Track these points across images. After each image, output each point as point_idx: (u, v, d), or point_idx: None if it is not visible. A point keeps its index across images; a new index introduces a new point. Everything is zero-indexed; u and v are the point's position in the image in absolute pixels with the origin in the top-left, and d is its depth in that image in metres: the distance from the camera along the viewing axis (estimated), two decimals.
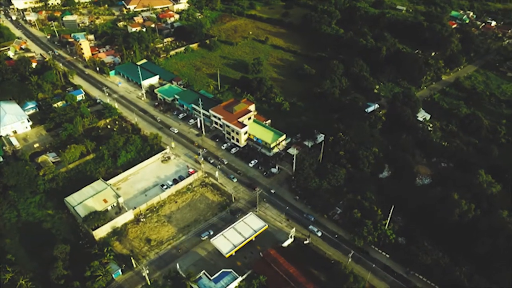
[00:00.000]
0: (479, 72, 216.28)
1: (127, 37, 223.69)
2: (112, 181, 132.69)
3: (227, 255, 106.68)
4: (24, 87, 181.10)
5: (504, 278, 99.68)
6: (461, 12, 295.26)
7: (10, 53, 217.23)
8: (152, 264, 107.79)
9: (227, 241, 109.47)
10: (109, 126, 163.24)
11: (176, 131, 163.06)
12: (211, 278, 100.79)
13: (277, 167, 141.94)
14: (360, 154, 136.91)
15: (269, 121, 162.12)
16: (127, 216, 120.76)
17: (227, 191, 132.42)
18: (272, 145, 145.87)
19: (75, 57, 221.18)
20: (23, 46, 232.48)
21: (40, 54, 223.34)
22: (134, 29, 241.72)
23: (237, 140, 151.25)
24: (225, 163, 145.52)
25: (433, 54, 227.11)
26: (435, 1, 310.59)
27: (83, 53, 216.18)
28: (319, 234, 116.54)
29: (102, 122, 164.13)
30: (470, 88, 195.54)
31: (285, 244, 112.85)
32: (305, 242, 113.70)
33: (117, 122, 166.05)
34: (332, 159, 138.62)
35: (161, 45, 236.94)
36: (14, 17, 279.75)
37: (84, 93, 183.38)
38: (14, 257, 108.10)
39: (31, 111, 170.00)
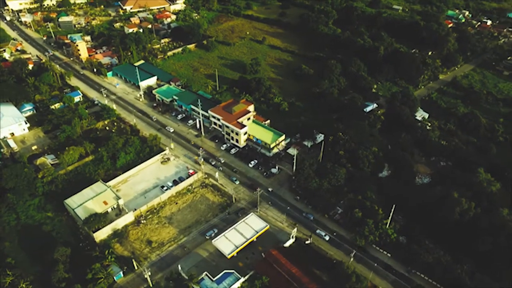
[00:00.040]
0: (476, 71, 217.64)
1: (124, 38, 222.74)
2: (111, 182, 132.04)
3: (229, 256, 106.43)
4: (21, 89, 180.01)
5: (506, 276, 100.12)
6: (457, 11, 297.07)
7: (6, 55, 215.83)
8: (154, 265, 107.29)
9: (228, 242, 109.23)
10: (107, 128, 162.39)
11: (172, 130, 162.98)
12: (213, 279, 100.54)
13: (277, 167, 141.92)
14: (360, 154, 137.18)
15: (268, 121, 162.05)
16: (128, 218, 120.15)
17: (227, 192, 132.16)
18: (271, 146, 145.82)
19: (71, 59, 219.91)
20: (19, 48, 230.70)
21: (37, 56, 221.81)
22: (131, 30, 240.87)
23: (237, 141, 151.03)
24: (222, 161, 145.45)
25: (430, 53, 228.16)
26: (431, 0, 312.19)
27: (80, 54, 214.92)
28: (327, 238, 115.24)
29: (100, 124, 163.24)
30: (468, 87, 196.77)
31: (287, 244, 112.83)
32: (306, 242, 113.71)
33: (115, 124, 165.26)
34: (332, 159, 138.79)
35: (158, 46, 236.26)
36: (8, 18, 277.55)
37: (81, 94, 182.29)
38: (14, 260, 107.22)
39: (28, 113, 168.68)
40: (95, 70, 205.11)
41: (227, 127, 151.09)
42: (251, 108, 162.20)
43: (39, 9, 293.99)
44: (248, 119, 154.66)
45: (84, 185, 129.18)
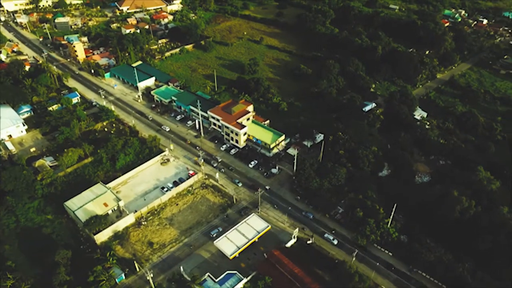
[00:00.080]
0: (473, 70, 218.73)
1: (122, 38, 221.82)
2: (111, 184, 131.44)
3: (231, 257, 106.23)
4: (18, 91, 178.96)
5: (506, 274, 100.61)
6: (453, 10, 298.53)
7: (2, 56, 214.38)
8: (155, 267, 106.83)
9: (230, 243, 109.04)
10: (106, 129, 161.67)
11: (167, 129, 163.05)
12: (216, 280, 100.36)
13: (277, 167, 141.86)
14: (360, 153, 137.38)
15: (268, 121, 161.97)
16: (128, 220, 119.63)
17: (228, 193, 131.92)
18: (271, 146, 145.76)
19: (69, 60, 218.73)
20: (15, 49, 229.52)
21: (33, 57, 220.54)
22: (128, 31, 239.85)
23: (237, 141, 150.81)
24: (219, 160, 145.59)
25: (427, 52, 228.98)
26: None
27: (77, 56, 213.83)
28: (335, 242, 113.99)
29: (99, 125, 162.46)
30: (465, 86, 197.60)
31: (288, 244, 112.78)
32: (308, 242, 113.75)
33: (114, 125, 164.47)
34: (332, 159, 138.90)
35: (156, 46, 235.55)
36: (3, 19, 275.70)
37: (79, 95, 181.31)
38: (14, 264, 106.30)
39: (26, 115, 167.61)
40: (92, 71, 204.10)
41: (227, 127, 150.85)
42: (250, 108, 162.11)
43: (35, 10, 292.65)
44: (248, 119, 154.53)
45: (83, 187, 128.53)
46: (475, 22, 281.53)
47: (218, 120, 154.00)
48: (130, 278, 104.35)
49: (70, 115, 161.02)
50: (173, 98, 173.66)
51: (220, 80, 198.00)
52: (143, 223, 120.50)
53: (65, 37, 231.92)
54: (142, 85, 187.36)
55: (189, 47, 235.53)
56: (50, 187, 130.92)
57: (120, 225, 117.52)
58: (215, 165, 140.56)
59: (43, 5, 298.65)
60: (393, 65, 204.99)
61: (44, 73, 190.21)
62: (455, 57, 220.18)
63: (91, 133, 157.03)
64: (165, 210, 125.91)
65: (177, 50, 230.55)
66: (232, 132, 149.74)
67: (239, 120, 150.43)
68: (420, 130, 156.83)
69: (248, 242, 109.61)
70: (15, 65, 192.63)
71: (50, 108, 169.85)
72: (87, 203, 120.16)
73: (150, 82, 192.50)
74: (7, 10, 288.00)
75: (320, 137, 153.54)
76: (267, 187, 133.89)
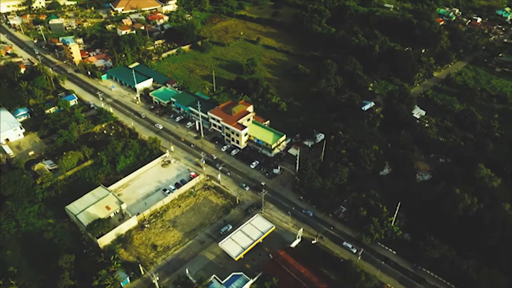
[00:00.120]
0: (469, 68, 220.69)
1: (118, 40, 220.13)
2: (112, 187, 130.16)
3: (236, 258, 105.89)
4: (14, 93, 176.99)
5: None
6: (447, 9, 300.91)
7: None
8: (160, 270, 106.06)
9: (235, 244, 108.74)
10: (105, 131, 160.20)
11: (160, 127, 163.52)
12: (222, 282, 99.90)
13: (279, 167, 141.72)
14: (361, 152, 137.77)
15: (268, 121, 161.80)
16: (131, 223, 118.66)
17: (230, 194, 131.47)
18: (273, 146, 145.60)
19: (64, 62, 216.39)
20: (9, 51, 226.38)
21: (28, 59, 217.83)
22: (124, 32, 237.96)
23: (237, 142, 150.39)
24: (214, 158, 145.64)
25: (423, 51, 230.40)
26: None
27: (73, 57, 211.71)
28: (354, 251, 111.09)
29: (97, 127, 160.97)
30: (462, 84, 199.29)
31: (293, 244, 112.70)
32: (312, 241, 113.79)
33: (113, 127, 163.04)
34: (333, 158, 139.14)
35: (152, 47, 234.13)
36: None
37: (76, 98, 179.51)
38: (17, 269, 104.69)
39: (23, 118, 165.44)
40: (89, 73, 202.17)
41: (228, 128, 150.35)
42: (250, 108, 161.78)
43: (28, 11, 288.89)
44: (248, 120, 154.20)
45: (84, 190, 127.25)
46: (469, 21, 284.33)
47: (218, 121, 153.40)
48: (135, 281, 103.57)
49: (68, 117, 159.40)
50: (172, 99, 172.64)
51: (218, 80, 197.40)
52: (146, 225, 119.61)
53: (60, 38, 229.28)
54: (140, 86, 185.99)
55: (186, 47, 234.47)
56: (50, 191, 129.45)
57: (123, 228, 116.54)
58: (220, 168, 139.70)
59: (36, 7, 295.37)
60: (390, 64, 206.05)
61: (40, 75, 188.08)
62: (451, 55, 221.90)
63: (90, 136, 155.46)
64: (168, 212, 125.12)
65: (174, 51, 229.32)
66: (233, 133, 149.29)
67: (239, 121, 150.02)
68: (420, 129, 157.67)
69: (253, 243, 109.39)
70: (10, 68, 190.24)
71: (48, 111, 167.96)
72: (89, 206, 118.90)
73: (148, 83, 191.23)
74: None
75: (320, 136, 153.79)
76: (262, 183, 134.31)
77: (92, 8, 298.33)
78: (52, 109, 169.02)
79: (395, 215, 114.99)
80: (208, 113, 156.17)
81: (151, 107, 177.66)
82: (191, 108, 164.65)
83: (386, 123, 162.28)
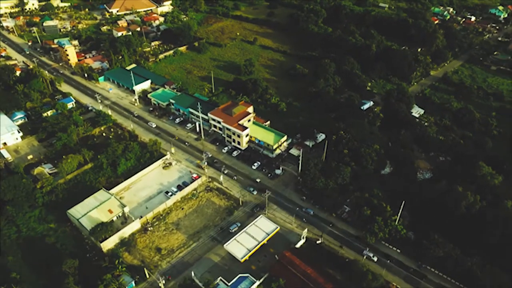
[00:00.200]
0: (465, 67, 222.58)
1: (114, 41, 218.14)
2: (114, 190, 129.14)
3: (242, 260, 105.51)
4: (11, 97, 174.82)
5: None
6: (442, 8, 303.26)
7: None
8: (165, 273, 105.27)
9: (241, 246, 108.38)
10: (104, 134, 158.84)
11: (154, 126, 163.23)
12: (229, 284, 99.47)
13: (281, 168, 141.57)
14: (363, 152, 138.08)
15: (269, 122, 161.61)
16: (134, 226, 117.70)
17: (233, 195, 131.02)
18: (274, 147, 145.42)
19: (60, 64, 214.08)
20: (3, 54, 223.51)
21: (23, 62, 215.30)
22: (120, 33, 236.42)
23: (238, 143, 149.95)
24: (209, 155, 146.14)
25: (419, 50, 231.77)
26: None
27: (69, 59, 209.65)
28: (375, 259, 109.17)
29: (96, 130, 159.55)
30: (459, 83, 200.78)
31: (298, 245, 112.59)
32: (317, 242, 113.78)
33: (112, 130, 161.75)
34: (335, 158, 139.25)
35: (149, 49, 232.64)
36: None
37: (74, 100, 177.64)
38: (19, 275, 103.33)
39: (20, 122, 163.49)
40: (86, 75, 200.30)
41: (228, 129, 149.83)
42: (250, 109, 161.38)
43: (21, 13, 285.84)
44: (249, 120, 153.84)
45: (85, 193, 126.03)
46: (464, 19, 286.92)
47: (219, 122, 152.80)
48: (140, 285, 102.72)
49: (66, 120, 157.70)
50: (171, 101, 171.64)
51: (216, 81, 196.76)
52: (149, 228, 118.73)
53: (56, 40, 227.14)
54: (138, 88, 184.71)
55: (182, 48, 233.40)
56: (50, 195, 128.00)
57: (126, 231, 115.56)
58: (225, 171, 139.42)
59: (29, 8, 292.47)
60: (387, 63, 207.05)
61: (36, 78, 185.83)
62: (447, 54, 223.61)
63: (89, 139, 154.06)
64: (171, 215, 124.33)
65: (171, 52, 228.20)
66: (234, 134, 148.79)
67: (240, 122, 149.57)
68: (419, 127, 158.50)
69: (258, 244, 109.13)
70: (5, 71, 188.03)
71: (45, 114, 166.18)
72: (91, 210, 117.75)
73: (146, 85, 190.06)
74: None
75: (321, 136, 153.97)
76: (257, 180, 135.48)
77: (86, 9, 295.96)
78: (49, 112, 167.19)
79: (399, 214, 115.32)
80: (209, 114, 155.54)
81: (149, 109, 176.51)
82: (191, 110, 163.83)
83: (385, 122, 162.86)
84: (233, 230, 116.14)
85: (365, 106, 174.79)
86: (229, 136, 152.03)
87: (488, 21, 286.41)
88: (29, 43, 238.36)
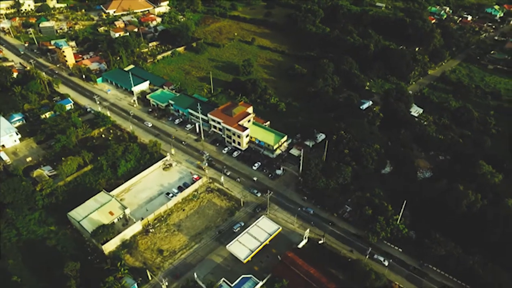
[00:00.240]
0: (462, 66, 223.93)
1: (112, 42, 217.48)
2: (114, 192, 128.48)
3: (245, 261, 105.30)
4: (8, 99, 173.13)
5: None
6: (438, 7, 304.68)
7: None
8: (168, 275, 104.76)
9: (243, 247, 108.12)
10: (103, 136, 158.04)
11: (150, 125, 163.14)
12: (232, 285, 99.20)
13: (281, 168, 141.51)
14: (363, 152, 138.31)
15: (268, 122, 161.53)
16: (135, 228, 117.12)
17: (234, 196, 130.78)
18: (275, 147, 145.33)
19: (58, 65, 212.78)
20: None
21: (20, 63, 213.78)
22: (117, 34, 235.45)
23: (239, 144, 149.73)
24: (206, 154, 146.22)
25: (416, 49, 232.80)
26: None
27: (66, 61, 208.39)
28: (386, 263, 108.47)
29: (96, 132, 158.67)
30: (456, 82, 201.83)
31: (300, 245, 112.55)
32: (319, 242, 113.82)
33: (111, 131, 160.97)
34: (336, 158, 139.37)
35: (147, 49, 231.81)
36: None
37: (72, 102, 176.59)
38: (20, 279, 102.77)
39: (18, 123, 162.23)
40: (84, 76, 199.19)
41: (228, 130, 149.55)
42: (250, 110, 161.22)
43: (17, 14, 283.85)
44: (249, 121, 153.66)
45: (85, 196, 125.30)
46: (460, 19, 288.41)
47: (219, 123, 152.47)
48: (143, 287, 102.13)
49: (65, 122, 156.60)
50: (170, 102, 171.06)
51: (215, 82, 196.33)
52: (150, 230, 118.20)
53: (53, 42, 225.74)
54: (136, 89, 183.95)
55: (180, 49, 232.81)
56: (50, 197, 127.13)
57: (127, 233, 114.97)
58: (228, 173, 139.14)
59: (25, 9, 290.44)
60: (385, 63, 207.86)
61: (34, 79, 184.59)
62: (444, 53, 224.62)
63: (89, 140, 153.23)
64: (172, 216, 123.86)
65: (169, 52, 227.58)
66: (234, 134, 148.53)
67: (240, 122, 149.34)
68: (418, 127, 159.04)
69: (260, 245, 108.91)
70: (2, 72, 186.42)
71: (43, 116, 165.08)
72: (92, 212, 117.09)
73: (145, 86, 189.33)
74: None
75: (321, 136, 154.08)
76: (254, 179, 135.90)
77: (83, 10, 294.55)
78: (47, 114, 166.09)
79: (400, 213, 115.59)
80: (208, 115, 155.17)
81: (149, 110, 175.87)
82: (190, 110, 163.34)
83: (385, 122, 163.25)
84: (236, 230, 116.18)
85: (364, 106, 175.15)
86: (229, 137, 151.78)
87: (484, 20, 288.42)
88: (26, 45, 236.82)
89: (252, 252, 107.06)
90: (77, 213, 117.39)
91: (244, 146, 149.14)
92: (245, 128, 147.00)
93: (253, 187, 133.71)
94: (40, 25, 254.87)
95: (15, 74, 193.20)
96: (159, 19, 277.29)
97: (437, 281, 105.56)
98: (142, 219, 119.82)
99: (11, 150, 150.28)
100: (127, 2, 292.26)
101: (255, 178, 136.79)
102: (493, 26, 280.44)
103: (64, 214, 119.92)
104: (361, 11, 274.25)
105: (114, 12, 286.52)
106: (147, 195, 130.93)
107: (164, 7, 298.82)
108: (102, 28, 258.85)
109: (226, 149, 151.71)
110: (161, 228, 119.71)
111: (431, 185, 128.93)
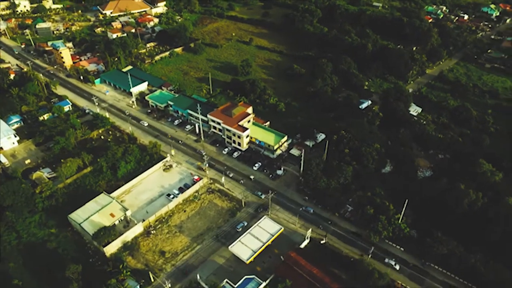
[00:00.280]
0: (460, 65, 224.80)
1: (109, 43, 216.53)
2: (115, 194, 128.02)
3: (247, 262, 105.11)
4: (5, 100, 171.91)
5: None
6: (435, 7, 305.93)
7: None
8: (171, 276, 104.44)
9: (245, 247, 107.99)
10: (102, 137, 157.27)
11: (146, 124, 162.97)
12: (235, 286, 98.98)
13: (282, 168, 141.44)
14: (364, 151, 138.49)
15: (268, 122, 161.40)
16: (137, 229, 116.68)
17: (235, 196, 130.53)
18: (275, 147, 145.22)
19: (55, 67, 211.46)
20: None
21: (16, 65, 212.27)
22: (115, 35, 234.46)
23: (239, 144, 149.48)
24: (204, 154, 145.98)
25: (414, 48, 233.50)
26: None
27: (63, 62, 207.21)
28: (398, 267, 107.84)
29: (95, 133, 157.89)
30: (454, 81, 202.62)
31: (302, 245, 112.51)
32: (321, 242, 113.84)
33: (110, 132, 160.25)
34: (336, 158, 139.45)
35: (144, 50, 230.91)
36: None
37: (70, 103, 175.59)
38: (21, 282, 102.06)
39: (16, 125, 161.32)
40: (81, 77, 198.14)
41: (228, 130, 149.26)
42: (250, 110, 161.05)
43: (13, 15, 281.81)
44: (249, 121, 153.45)
45: (85, 198, 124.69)
46: (457, 18, 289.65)
47: (219, 123, 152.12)
48: None
49: (64, 124, 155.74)
50: (169, 102, 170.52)
51: (213, 82, 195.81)
52: (152, 232, 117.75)
53: (50, 43, 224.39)
54: (135, 90, 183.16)
55: (178, 50, 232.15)
56: (50, 199, 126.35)
57: (128, 235, 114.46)
58: (231, 175, 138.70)
59: (21, 10, 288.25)
60: (383, 62, 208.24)
61: (31, 81, 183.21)
62: (442, 52, 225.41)
63: (88, 142, 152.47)
64: (173, 218, 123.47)
65: (167, 53, 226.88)
66: (234, 135, 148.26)
67: (240, 123, 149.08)
68: (418, 126, 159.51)
69: (263, 245, 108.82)
70: None
71: (41, 118, 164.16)
72: (93, 214, 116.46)
73: (143, 87, 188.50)
74: None
75: (321, 136, 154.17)
76: (251, 177, 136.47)
77: (80, 11, 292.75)
78: (46, 116, 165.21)
79: (402, 212, 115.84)
80: (208, 115, 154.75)
81: (147, 111, 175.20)
82: (189, 111, 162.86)
83: (384, 121, 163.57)
84: (239, 229, 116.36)
85: (363, 105, 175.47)
86: (229, 137, 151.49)
87: (480, 19, 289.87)
88: (22, 46, 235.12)
89: (255, 252, 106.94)
90: (77, 215, 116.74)
91: (244, 146, 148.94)
92: (245, 129, 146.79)
93: (256, 189, 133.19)
94: (37, 26, 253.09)
95: (12, 76, 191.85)
96: (156, 20, 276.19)
97: (439, 280, 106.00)
98: (143, 220, 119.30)
99: (10, 152, 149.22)
100: (124, 2, 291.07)
101: (252, 177, 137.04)
102: (490, 25, 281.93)
103: (64, 216, 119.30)
104: (358, 10, 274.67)
105: (111, 13, 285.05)
106: (147, 197, 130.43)
107: (161, 8, 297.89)
108: (99, 29, 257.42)
109: (226, 149, 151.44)
110: (163, 230, 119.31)
111: (431, 184, 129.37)
